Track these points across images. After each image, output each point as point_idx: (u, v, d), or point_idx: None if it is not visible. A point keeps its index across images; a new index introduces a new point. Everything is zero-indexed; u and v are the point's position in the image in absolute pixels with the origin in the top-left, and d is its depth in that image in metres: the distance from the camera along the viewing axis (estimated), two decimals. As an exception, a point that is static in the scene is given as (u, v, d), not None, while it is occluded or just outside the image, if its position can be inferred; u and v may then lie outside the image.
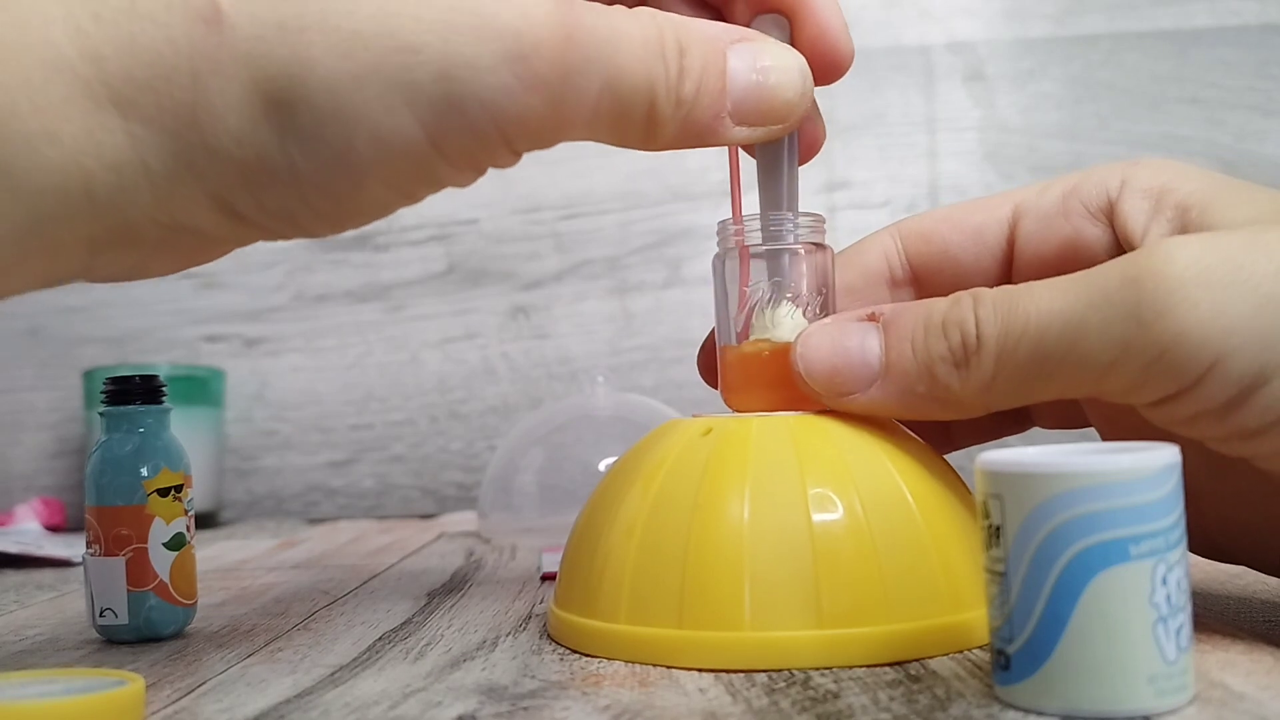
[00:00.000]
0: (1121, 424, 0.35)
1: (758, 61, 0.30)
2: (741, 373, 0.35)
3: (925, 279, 0.37)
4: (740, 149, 0.36)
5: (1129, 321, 0.27)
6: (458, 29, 0.26)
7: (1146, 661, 0.23)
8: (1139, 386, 0.28)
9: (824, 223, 0.35)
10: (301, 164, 0.27)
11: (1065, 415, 0.38)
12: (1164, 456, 0.24)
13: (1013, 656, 0.24)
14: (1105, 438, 0.37)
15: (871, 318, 0.32)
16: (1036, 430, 0.40)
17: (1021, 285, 0.29)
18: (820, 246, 0.35)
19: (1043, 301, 0.28)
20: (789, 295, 0.34)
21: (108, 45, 0.25)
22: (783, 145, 0.34)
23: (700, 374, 0.38)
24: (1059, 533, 0.23)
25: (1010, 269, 0.36)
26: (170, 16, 0.26)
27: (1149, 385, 0.27)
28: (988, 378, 0.29)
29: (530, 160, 0.30)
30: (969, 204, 0.37)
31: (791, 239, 0.34)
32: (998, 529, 0.24)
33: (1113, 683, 0.23)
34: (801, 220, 0.34)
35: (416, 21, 0.26)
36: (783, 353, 0.33)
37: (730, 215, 0.35)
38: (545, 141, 0.29)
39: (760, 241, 0.34)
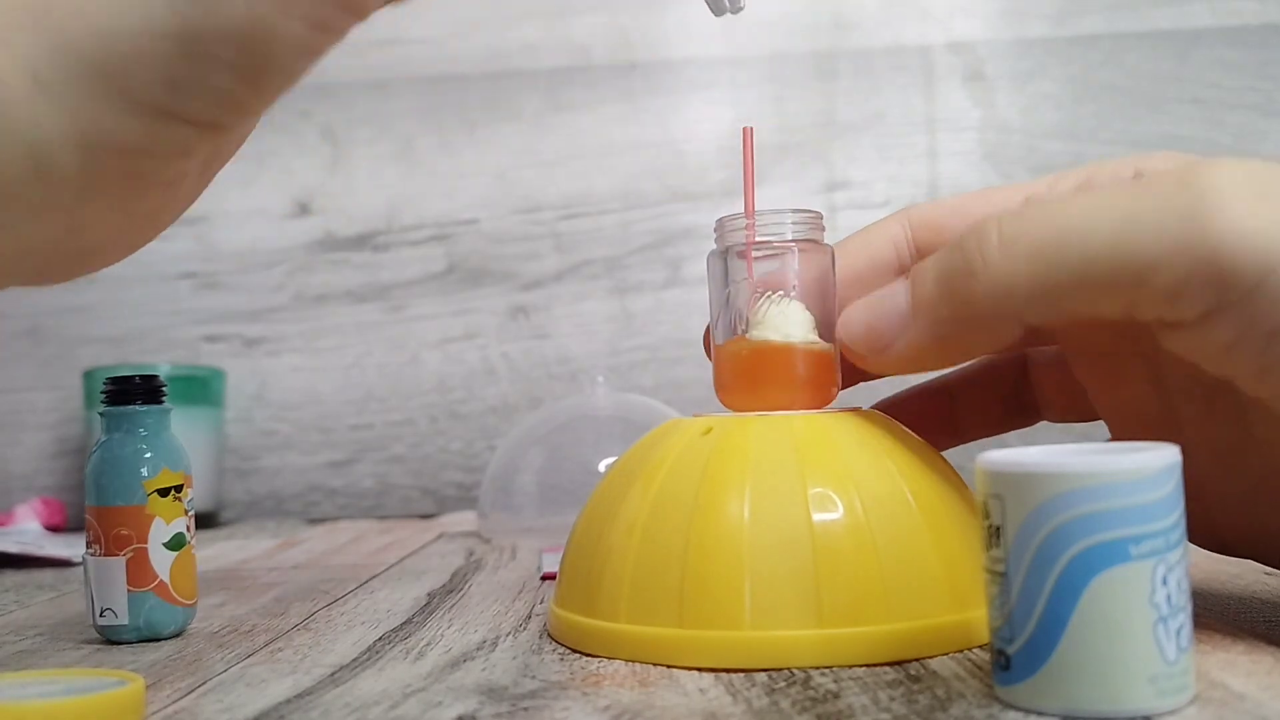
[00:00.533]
0: (1130, 410, 0.34)
1: None
2: (733, 370, 0.35)
3: None
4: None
5: (1184, 220, 0.26)
6: None
7: (1147, 661, 0.23)
8: (1181, 293, 0.26)
9: (822, 219, 0.35)
10: (192, 13, 0.24)
11: (1073, 406, 0.37)
12: (1164, 457, 0.24)
13: (1013, 656, 0.24)
14: (1113, 431, 0.36)
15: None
16: (1041, 430, 0.39)
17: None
18: (819, 244, 0.35)
19: (1089, 200, 0.27)
20: (783, 293, 0.34)
21: None
22: None
23: (706, 353, 0.38)
24: (1059, 533, 0.23)
25: None
26: None
27: (1193, 292, 0.26)
28: (1005, 275, 0.28)
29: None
30: (979, 196, 0.36)
31: (790, 236, 0.34)
32: (998, 529, 0.24)
33: (1113, 683, 0.23)
34: (800, 217, 0.34)
35: None
36: (776, 351, 0.33)
37: (726, 213, 0.35)
38: None
39: (761, 239, 0.34)
